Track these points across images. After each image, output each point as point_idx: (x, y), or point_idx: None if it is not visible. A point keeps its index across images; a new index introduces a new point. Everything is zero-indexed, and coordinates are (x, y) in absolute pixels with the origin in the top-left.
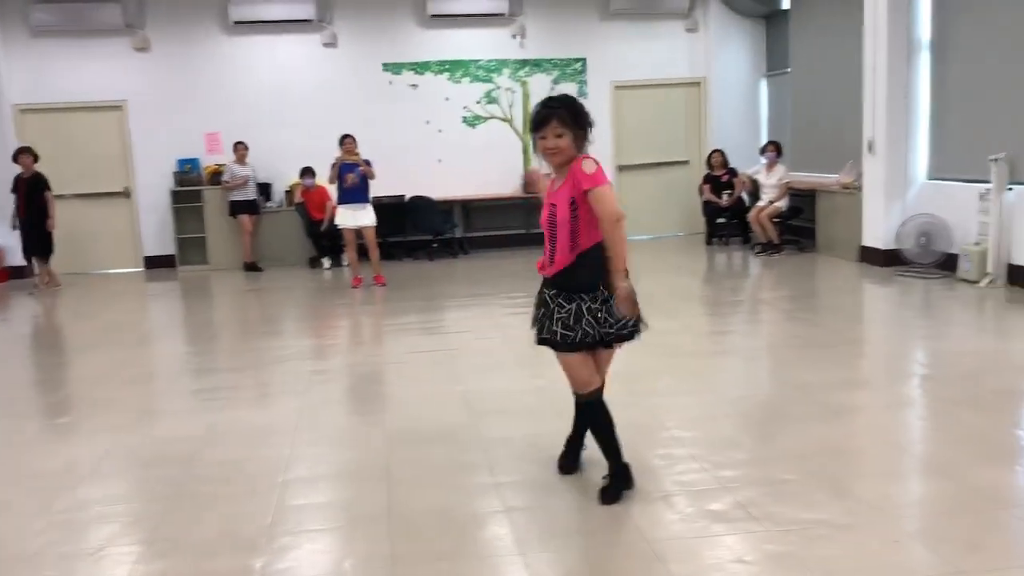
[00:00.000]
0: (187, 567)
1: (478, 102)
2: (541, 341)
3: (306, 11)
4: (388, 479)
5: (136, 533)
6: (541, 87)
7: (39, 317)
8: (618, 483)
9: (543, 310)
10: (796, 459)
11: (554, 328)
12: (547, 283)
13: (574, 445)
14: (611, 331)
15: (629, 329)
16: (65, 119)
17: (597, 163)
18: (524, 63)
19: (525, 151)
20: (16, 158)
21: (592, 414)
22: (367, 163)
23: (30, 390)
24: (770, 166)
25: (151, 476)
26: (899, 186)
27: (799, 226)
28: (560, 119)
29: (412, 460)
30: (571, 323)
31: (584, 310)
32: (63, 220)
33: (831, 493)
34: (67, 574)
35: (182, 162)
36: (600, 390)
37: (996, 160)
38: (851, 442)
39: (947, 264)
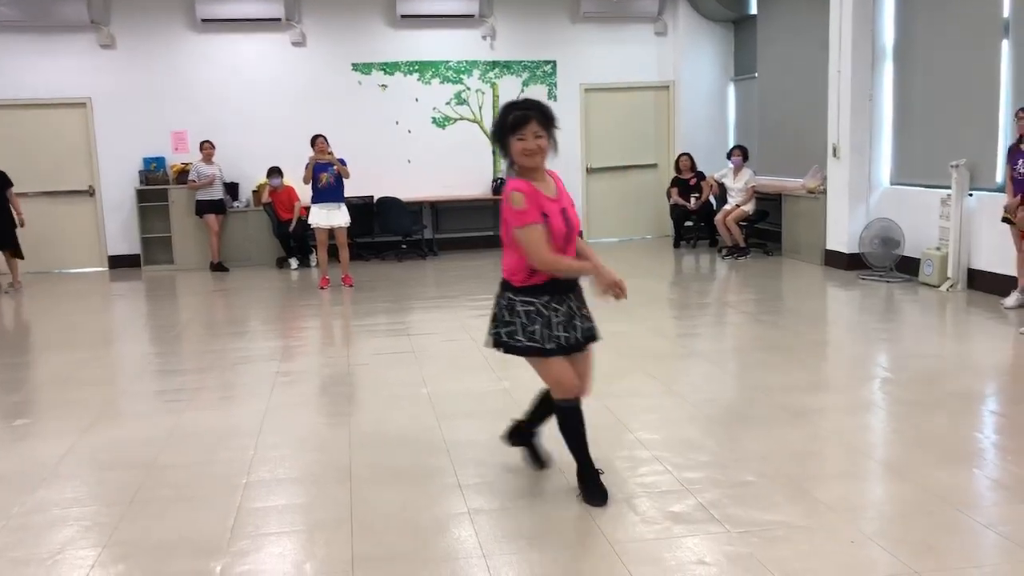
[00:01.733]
0: (145, 570)
1: (448, 103)
2: (538, 352)
3: (275, 10)
4: (351, 481)
5: (94, 536)
6: (511, 89)
7: (0, 316)
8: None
9: (539, 321)
10: (758, 461)
11: (556, 334)
12: (536, 291)
13: (524, 434)
14: (591, 326)
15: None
16: (28, 116)
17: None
18: (494, 64)
19: (495, 153)
20: None
21: (576, 419)
22: (342, 162)
23: None
24: (736, 170)
25: (111, 479)
26: (862, 191)
27: (765, 229)
28: (538, 121)
29: (376, 463)
30: (566, 326)
31: (575, 308)
32: (26, 218)
33: (791, 495)
34: None
35: (148, 160)
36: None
37: (957, 166)
38: (812, 444)
39: (909, 268)
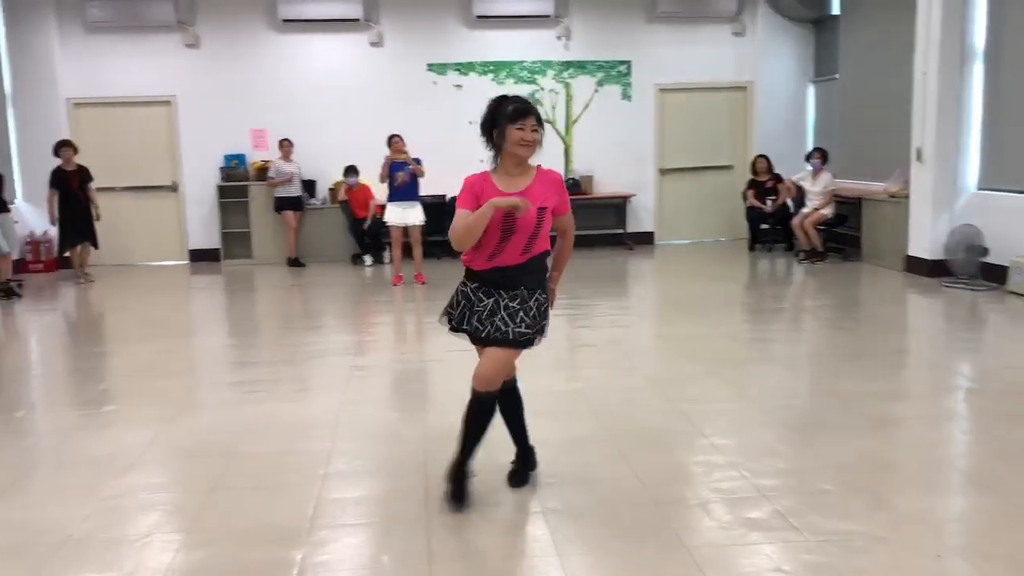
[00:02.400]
0: (228, 557)
1: None
2: (458, 329)
3: (354, 10)
4: (425, 476)
5: (179, 521)
6: (585, 89)
7: (86, 308)
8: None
9: (463, 303)
10: (836, 469)
11: (474, 323)
12: (472, 276)
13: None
14: (527, 331)
15: (543, 332)
16: (116, 113)
17: None
18: (568, 64)
19: (567, 152)
20: (57, 151)
21: (488, 410)
22: (417, 161)
23: (78, 379)
24: (816, 173)
25: (194, 466)
26: (947, 195)
27: (844, 234)
28: (536, 117)
29: (449, 458)
30: (484, 318)
31: (502, 306)
32: (111, 212)
33: (871, 504)
34: (113, 559)
35: (228, 158)
36: (497, 391)
37: None
38: (892, 454)
39: (996, 276)
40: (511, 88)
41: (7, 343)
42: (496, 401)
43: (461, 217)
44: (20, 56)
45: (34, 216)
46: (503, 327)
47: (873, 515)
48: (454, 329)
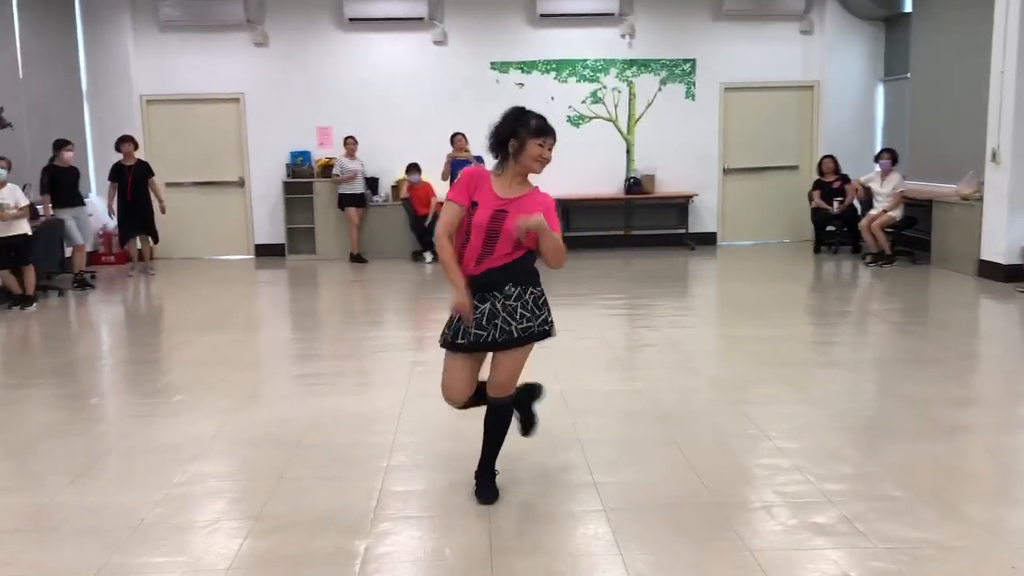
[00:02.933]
0: (294, 545)
1: (583, 102)
2: (450, 345)
3: (418, 9)
4: None
5: (246, 509)
6: (648, 87)
7: (154, 300)
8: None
9: (458, 316)
10: (905, 475)
11: (470, 330)
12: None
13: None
14: (530, 325)
15: (547, 326)
16: (187, 110)
17: None
18: (632, 63)
19: (629, 151)
20: (119, 147)
21: (503, 416)
22: (479, 160)
23: (147, 368)
24: (885, 174)
25: (260, 455)
26: None
27: (912, 237)
28: (554, 138)
29: (511, 455)
30: (483, 323)
31: (500, 307)
32: (179, 207)
33: (942, 512)
34: (182, 544)
35: (294, 154)
36: (464, 407)
37: None
38: (963, 461)
39: None
40: (572, 87)
41: (80, 333)
42: (527, 392)
43: (450, 214)
44: (96, 54)
45: (106, 209)
46: (506, 327)
47: (944, 523)
48: (450, 346)
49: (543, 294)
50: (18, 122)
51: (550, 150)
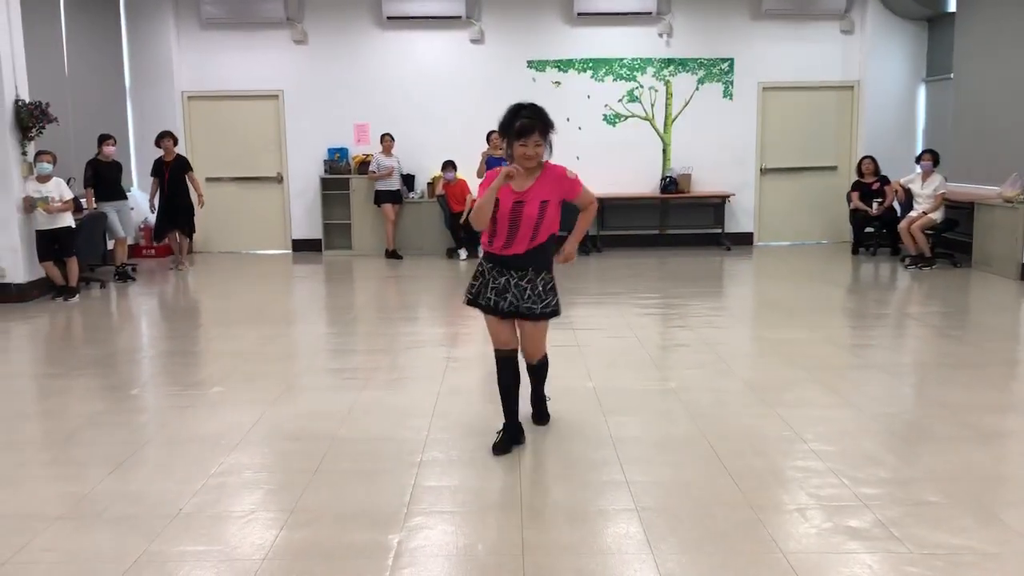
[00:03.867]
0: (328, 537)
1: (620, 100)
2: (472, 303)
3: (456, 8)
4: (520, 468)
5: (282, 501)
6: (685, 86)
7: (193, 293)
8: (509, 437)
9: (480, 280)
10: (942, 481)
11: (488, 295)
12: (489, 258)
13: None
14: (534, 306)
15: (550, 309)
16: (227, 106)
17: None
18: (669, 62)
19: (665, 151)
20: (159, 142)
21: (504, 368)
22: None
23: (187, 360)
24: (925, 175)
25: (296, 448)
26: None
27: (953, 239)
28: (540, 131)
29: (543, 451)
30: (499, 293)
31: (512, 284)
32: (219, 202)
33: (980, 519)
34: (219, 534)
35: (332, 151)
36: (515, 351)
37: None
38: (1003, 468)
39: None
40: (609, 86)
41: (121, 324)
42: (544, 361)
43: (480, 202)
44: (139, 51)
45: (147, 203)
46: (515, 302)
47: (982, 530)
48: (470, 303)
49: (552, 280)
50: (63, 117)
51: (537, 146)
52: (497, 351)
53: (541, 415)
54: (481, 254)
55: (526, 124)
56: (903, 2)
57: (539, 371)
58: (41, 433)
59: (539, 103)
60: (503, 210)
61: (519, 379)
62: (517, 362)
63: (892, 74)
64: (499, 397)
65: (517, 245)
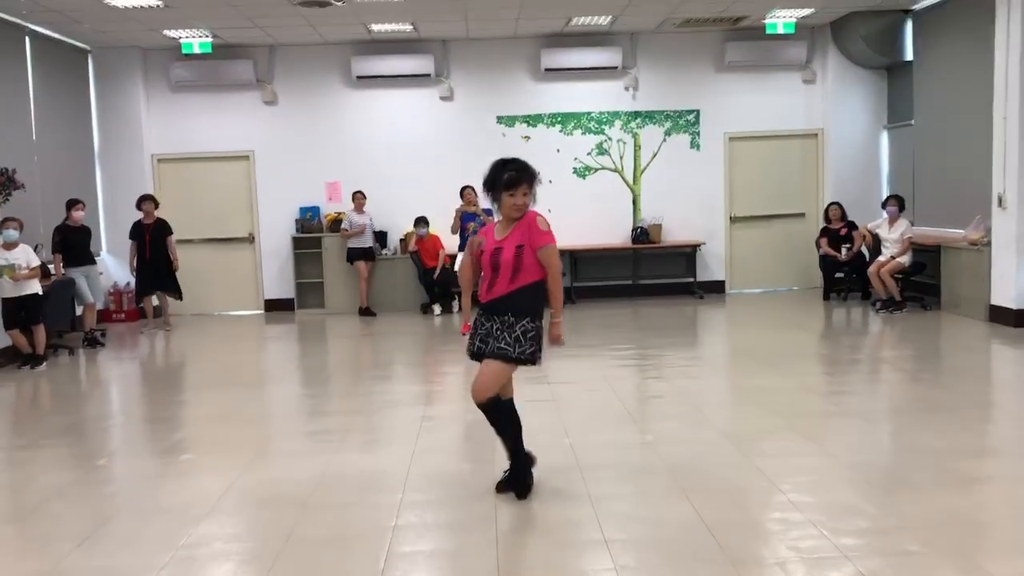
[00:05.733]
0: None
1: (589, 153)
2: (475, 356)
3: (425, 66)
4: (496, 531)
5: (253, 572)
6: (653, 138)
7: (164, 356)
8: (516, 478)
9: (474, 329)
10: (922, 530)
11: (477, 343)
12: (480, 307)
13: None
14: (507, 348)
15: (524, 356)
16: (198, 168)
17: (546, 221)
18: (636, 115)
19: (635, 201)
20: (140, 205)
21: (495, 414)
22: (487, 212)
23: (157, 427)
24: (892, 220)
25: (268, 516)
26: None
27: (922, 282)
28: (527, 184)
29: (520, 512)
30: (486, 338)
31: (493, 329)
32: (190, 263)
33: (962, 568)
34: None
35: (303, 210)
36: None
37: None
38: (982, 514)
39: None
40: (578, 140)
41: (90, 391)
42: (498, 407)
43: (467, 261)
44: (108, 114)
45: (116, 268)
46: (503, 347)
47: None
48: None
49: (535, 329)
50: (30, 182)
51: (524, 195)
52: (481, 403)
53: (518, 482)
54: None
55: (514, 176)
56: (862, 52)
57: (491, 415)
58: (6, 506)
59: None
60: (486, 256)
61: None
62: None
63: (854, 121)
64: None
65: (498, 287)
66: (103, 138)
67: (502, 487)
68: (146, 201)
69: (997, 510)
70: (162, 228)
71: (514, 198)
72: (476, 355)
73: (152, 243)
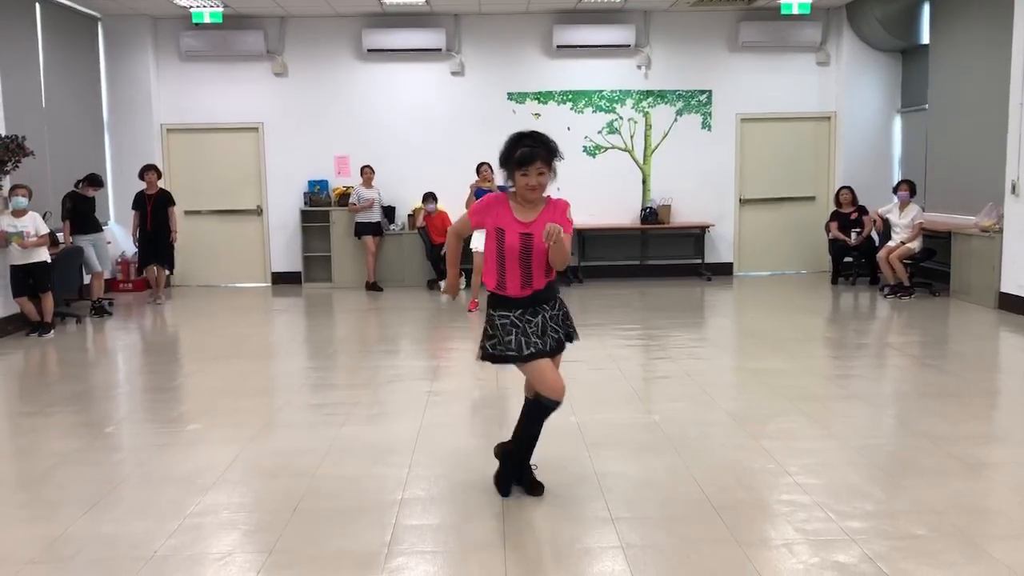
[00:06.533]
0: None
1: (599, 132)
2: (504, 359)
3: (436, 40)
4: (503, 505)
5: (260, 542)
6: (664, 117)
7: (171, 327)
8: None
9: (510, 332)
10: (928, 514)
11: (533, 340)
12: (510, 304)
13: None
14: (572, 331)
15: (569, 334)
16: (206, 139)
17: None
18: (648, 94)
19: (645, 181)
20: (143, 175)
21: (546, 415)
22: (502, 189)
23: (164, 397)
24: (903, 205)
25: (275, 487)
26: None
27: (931, 268)
28: (543, 159)
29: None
30: (540, 334)
31: (548, 318)
32: (198, 235)
33: (968, 553)
34: None
35: (312, 183)
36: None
37: None
38: (989, 500)
39: None
40: (588, 118)
41: (97, 360)
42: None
43: (460, 226)
44: (118, 83)
45: (125, 237)
46: (555, 335)
47: (969, 565)
48: (499, 360)
49: (563, 301)
50: (40, 151)
51: (539, 174)
52: (552, 401)
53: (533, 481)
54: (487, 301)
55: (526, 153)
56: (877, 34)
57: (548, 414)
58: (13, 473)
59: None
60: (511, 247)
61: None
62: None
63: (867, 105)
64: (518, 441)
65: (536, 281)
66: (112, 107)
67: (536, 489)
68: (149, 171)
69: (1003, 496)
70: (164, 199)
71: (527, 177)
72: (544, 352)
73: (154, 214)
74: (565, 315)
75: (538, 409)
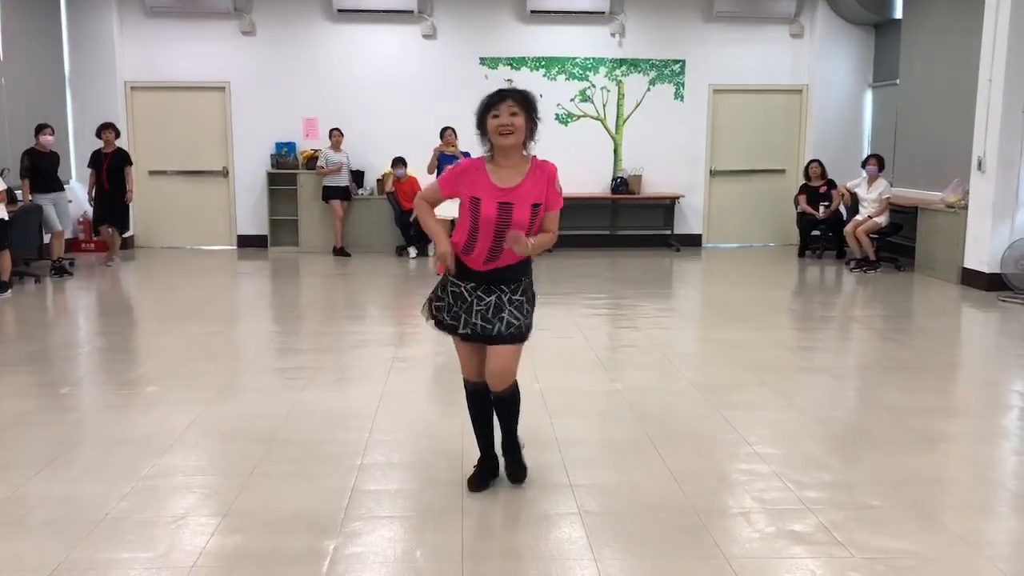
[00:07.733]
0: (262, 543)
1: (572, 100)
2: (443, 327)
3: (408, 2)
4: (462, 472)
5: (215, 505)
6: (637, 87)
7: (133, 288)
8: (519, 463)
9: (459, 304)
10: (884, 485)
11: (474, 321)
12: (466, 275)
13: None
14: (530, 321)
15: (528, 324)
16: (172, 97)
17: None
18: (621, 62)
19: (616, 151)
20: (100, 134)
21: (513, 403)
22: (466, 155)
23: (123, 358)
24: (871, 180)
25: (232, 450)
26: (1008, 207)
27: (897, 243)
28: (514, 99)
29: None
30: (489, 316)
31: (505, 301)
32: (162, 196)
33: (922, 523)
34: (147, 540)
35: (279, 145)
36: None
37: None
38: (943, 472)
39: None
40: (561, 85)
41: (56, 320)
42: (516, 392)
43: (431, 191)
44: (80, 38)
45: (86, 196)
46: (515, 321)
47: (923, 534)
48: (442, 327)
49: (532, 285)
50: None
51: (511, 114)
52: (476, 383)
53: (518, 469)
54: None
55: (495, 94)
56: (852, 8)
57: (509, 405)
58: None
59: None
60: (487, 216)
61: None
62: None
63: (840, 79)
64: (472, 428)
65: (505, 257)
66: (74, 63)
67: (475, 484)
68: (106, 130)
69: (958, 468)
70: (121, 158)
71: (498, 118)
72: (477, 336)
73: (110, 173)
74: (527, 302)
75: (467, 394)
